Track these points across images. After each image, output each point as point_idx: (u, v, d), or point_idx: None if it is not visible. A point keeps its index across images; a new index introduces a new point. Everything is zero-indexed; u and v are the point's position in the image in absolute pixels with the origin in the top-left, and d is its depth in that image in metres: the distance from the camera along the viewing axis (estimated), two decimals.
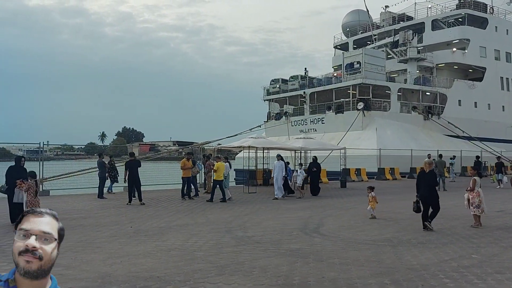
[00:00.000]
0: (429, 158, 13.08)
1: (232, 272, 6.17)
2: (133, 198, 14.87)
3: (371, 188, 11.91)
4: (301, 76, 42.69)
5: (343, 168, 25.16)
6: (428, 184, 9.69)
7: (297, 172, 17.78)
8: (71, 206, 14.07)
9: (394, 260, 6.97)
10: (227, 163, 16.87)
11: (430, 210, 9.68)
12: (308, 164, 20.49)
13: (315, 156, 19.72)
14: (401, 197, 16.88)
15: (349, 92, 36.19)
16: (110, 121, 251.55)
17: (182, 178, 16.39)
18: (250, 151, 19.72)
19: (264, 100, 44.57)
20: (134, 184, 15.03)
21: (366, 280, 5.81)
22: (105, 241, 8.43)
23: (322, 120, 37.36)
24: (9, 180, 10.19)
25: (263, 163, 22.46)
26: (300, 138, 23.00)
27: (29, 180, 9.62)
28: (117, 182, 17.21)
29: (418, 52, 40.82)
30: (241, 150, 28.93)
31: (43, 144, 18.69)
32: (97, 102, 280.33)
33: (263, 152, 22.03)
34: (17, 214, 10.03)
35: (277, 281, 5.72)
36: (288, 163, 19.02)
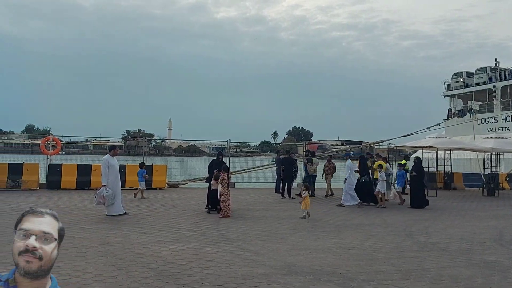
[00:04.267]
0: None
1: (417, 277, 5.87)
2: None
3: (306, 187, 11.54)
4: (490, 68, 37.64)
5: None
6: None
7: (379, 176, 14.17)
8: (253, 198, 15.36)
9: None
10: (388, 164, 16.05)
11: None
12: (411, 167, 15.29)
13: (417, 157, 15.38)
14: None
15: None
16: (282, 120, 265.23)
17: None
18: (430, 151, 18.28)
19: (445, 96, 40.79)
20: (285, 179, 15.87)
21: None
22: (286, 233, 8.97)
23: None
24: (210, 171, 11.80)
25: (444, 165, 20.63)
26: (491, 137, 20.31)
27: (223, 173, 10.91)
28: (295, 178, 17.75)
29: None
30: (416, 151, 27.11)
31: (230, 142, 20.85)
32: (271, 103, 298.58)
33: (445, 152, 20.22)
34: (212, 201, 11.54)
35: None
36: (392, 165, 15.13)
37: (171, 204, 12.95)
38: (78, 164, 16.86)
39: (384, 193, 13.84)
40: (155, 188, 16.88)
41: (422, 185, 14.28)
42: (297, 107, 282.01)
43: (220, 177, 10.84)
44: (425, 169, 18.72)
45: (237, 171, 21.44)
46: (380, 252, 7.43)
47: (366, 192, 14.20)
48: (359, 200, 14.01)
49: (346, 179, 14.23)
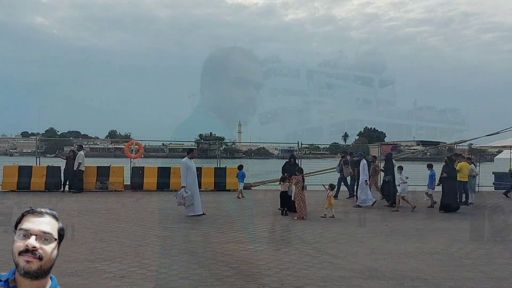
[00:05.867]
0: None
1: None
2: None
3: (331, 187, 11.56)
4: None
5: None
6: None
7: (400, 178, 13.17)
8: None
9: None
10: (472, 165, 15.07)
11: None
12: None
13: (448, 157, 13.77)
14: None
15: None
16: (352, 121, 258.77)
17: None
18: None
19: None
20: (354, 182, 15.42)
21: None
22: (364, 236, 8.75)
23: None
24: (283, 173, 11.90)
25: None
26: None
27: (297, 175, 10.93)
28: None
29: None
30: (501, 151, 25.25)
31: (301, 144, 20.81)
32: (342, 104, 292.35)
33: None
34: (284, 202, 11.57)
35: None
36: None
37: (245, 205, 13.20)
38: (158, 167, 17.77)
39: (403, 196, 12.89)
40: (229, 190, 17.30)
41: (454, 187, 13.15)
42: (368, 108, 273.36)
43: (295, 178, 10.87)
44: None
45: (309, 173, 21.30)
46: (467, 258, 7.00)
47: (388, 191, 13.68)
48: (374, 200, 13.64)
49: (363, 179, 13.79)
